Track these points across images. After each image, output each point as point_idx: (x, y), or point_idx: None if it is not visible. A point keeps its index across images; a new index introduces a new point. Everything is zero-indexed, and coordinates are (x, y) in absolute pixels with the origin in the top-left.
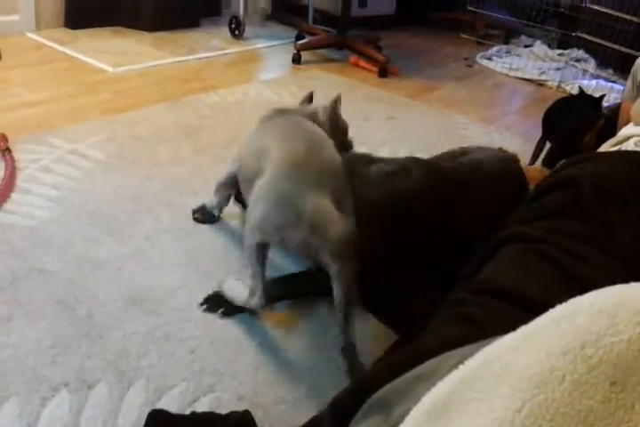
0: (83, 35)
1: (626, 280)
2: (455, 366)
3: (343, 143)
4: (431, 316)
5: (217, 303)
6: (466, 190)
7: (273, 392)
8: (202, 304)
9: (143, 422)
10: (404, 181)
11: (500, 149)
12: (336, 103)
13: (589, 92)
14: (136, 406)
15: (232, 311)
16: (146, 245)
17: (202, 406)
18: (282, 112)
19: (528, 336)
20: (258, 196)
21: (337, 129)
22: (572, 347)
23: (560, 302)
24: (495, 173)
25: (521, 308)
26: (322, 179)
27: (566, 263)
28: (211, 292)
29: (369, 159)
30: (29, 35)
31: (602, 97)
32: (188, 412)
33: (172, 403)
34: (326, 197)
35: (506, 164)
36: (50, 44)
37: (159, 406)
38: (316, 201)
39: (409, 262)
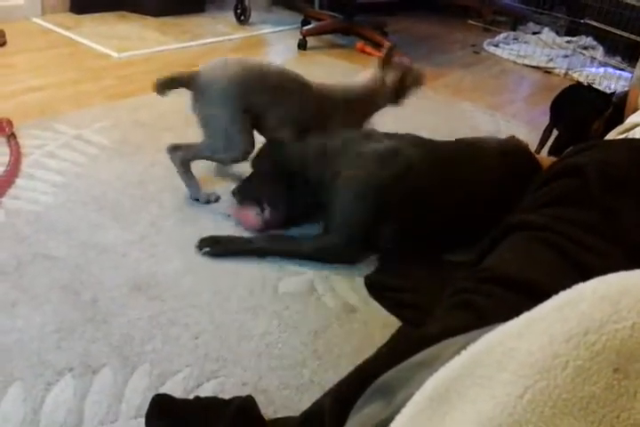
0: (87, 20)
1: (631, 268)
2: (457, 352)
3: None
4: (434, 304)
5: (207, 243)
6: (461, 170)
7: (276, 378)
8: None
9: (147, 407)
10: (393, 165)
11: (513, 137)
12: (389, 51)
13: (597, 79)
14: (140, 391)
15: (219, 251)
16: (151, 230)
17: (205, 391)
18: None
19: (531, 323)
20: None
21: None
22: (575, 333)
23: (564, 290)
24: (496, 153)
25: (525, 295)
26: None
27: (571, 251)
28: (215, 278)
29: (365, 136)
30: (35, 19)
31: (612, 93)
32: (191, 397)
33: (176, 388)
34: None
35: (511, 145)
36: (55, 28)
37: (163, 390)
38: None
39: (406, 236)
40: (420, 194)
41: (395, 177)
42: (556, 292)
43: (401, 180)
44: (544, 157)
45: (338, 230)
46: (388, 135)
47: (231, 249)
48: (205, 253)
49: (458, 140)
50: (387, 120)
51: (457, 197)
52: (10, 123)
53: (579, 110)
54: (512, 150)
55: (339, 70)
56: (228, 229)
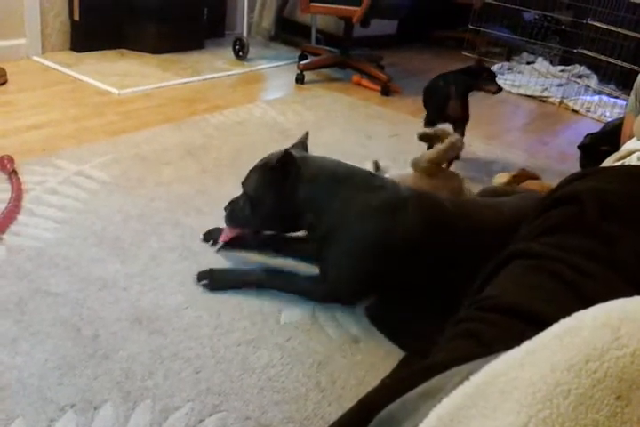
0: (88, 57)
1: (630, 295)
2: (461, 382)
3: None
4: (437, 333)
5: (205, 275)
6: (464, 227)
7: (280, 412)
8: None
9: None
10: (400, 218)
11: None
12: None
13: (592, 107)
14: None
15: (217, 285)
16: (151, 264)
17: (208, 426)
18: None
19: (532, 351)
20: None
21: None
22: (577, 361)
23: (565, 317)
24: (513, 211)
25: (526, 323)
26: None
27: (571, 279)
28: (217, 310)
29: (369, 183)
30: (35, 58)
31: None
32: None
33: (179, 424)
34: None
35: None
36: (56, 66)
37: None
38: None
39: (408, 291)
40: (420, 252)
41: (396, 236)
42: (558, 319)
43: (402, 239)
44: (536, 181)
45: (333, 283)
46: (389, 185)
47: (229, 281)
48: (204, 287)
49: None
50: (384, 150)
51: (458, 254)
52: (11, 160)
53: (435, 96)
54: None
55: (336, 103)
56: (228, 262)
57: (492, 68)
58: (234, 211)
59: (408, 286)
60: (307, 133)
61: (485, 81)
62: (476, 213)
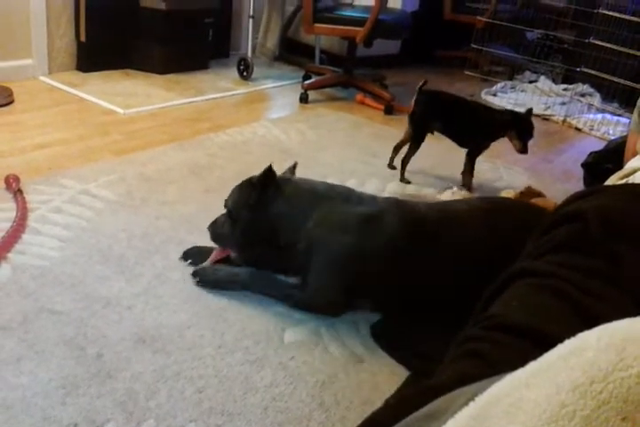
0: (94, 77)
1: (636, 314)
2: (466, 404)
3: None
4: (442, 352)
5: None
6: (445, 233)
7: None
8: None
9: None
10: (378, 228)
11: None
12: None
13: (595, 125)
14: None
15: (207, 281)
16: (155, 283)
17: None
18: None
19: (537, 372)
20: None
21: None
22: (582, 382)
23: (570, 337)
24: (481, 215)
25: (531, 343)
26: None
27: (576, 297)
28: (220, 329)
29: (348, 197)
30: (42, 78)
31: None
32: None
33: None
34: None
35: (501, 204)
36: (61, 86)
37: None
38: None
39: (405, 304)
40: (400, 259)
41: (374, 247)
42: (563, 339)
43: (380, 249)
44: (542, 199)
45: (313, 291)
46: (368, 198)
47: (218, 279)
48: (197, 284)
49: (438, 204)
50: (388, 169)
51: (440, 261)
52: (17, 179)
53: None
54: (501, 209)
55: (340, 122)
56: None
57: (495, 87)
58: (216, 227)
59: (399, 297)
60: (295, 163)
61: (521, 135)
62: (454, 216)
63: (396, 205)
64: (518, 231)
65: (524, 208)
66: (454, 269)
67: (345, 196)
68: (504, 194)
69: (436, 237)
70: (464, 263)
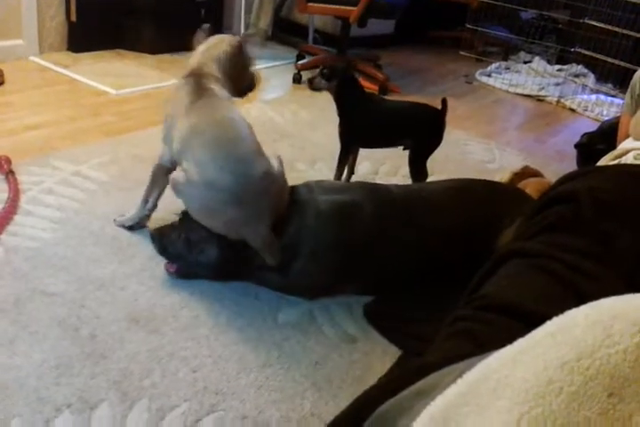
0: (85, 58)
1: (626, 292)
2: (454, 381)
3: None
4: (433, 332)
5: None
6: (418, 214)
7: (277, 411)
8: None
9: None
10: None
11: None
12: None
13: (589, 106)
14: None
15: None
16: (149, 264)
17: (205, 425)
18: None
19: (524, 349)
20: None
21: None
22: (569, 359)
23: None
24: (453, 193)
25: (522, 322)
26: None
27: (568, 277)
28: (214, 309)
29: (312, 188)
30: (32, 58)
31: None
32: None
33: (175, 423)
34: None
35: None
36: (53, 67)
37: (162, 426)
38: None
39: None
40: (378, 247)
41: (352, 232)
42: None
43: (357, 235)
44: (534, 179)
45: (295, 276)
46: (338, 186)
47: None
48: (174, 273)
49: (410, 186)
50: (381, 150)
51: (420, 242)
52: (8, 160)
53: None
54: (468, 188)
55: (333, 102)
56: None
57: (489, 67)
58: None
59: (384, 278)
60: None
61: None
62: (426, 196)
63: (370, 189)
64: (482, 206)
65: (488, 185)
66: (428, 247)
67: (318, 186)
68: (500, 175)
69: (409, 217)
70: (437, 241)
